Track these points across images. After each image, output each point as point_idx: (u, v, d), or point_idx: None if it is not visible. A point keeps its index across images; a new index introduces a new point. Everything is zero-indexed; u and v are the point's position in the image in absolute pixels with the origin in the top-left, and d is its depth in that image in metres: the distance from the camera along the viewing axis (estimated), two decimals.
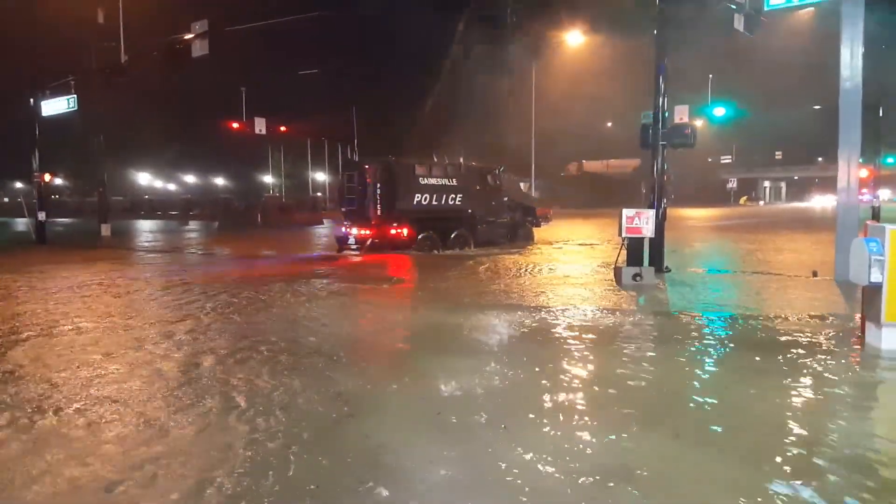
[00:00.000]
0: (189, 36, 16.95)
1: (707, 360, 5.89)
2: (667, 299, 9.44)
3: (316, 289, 10.57)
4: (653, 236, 11.15)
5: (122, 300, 9.64)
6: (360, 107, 44.70)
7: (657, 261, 11.67)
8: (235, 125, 31.45)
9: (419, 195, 16.33)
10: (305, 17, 19.27)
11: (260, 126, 32.65)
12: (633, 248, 10.87)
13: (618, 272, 10.87)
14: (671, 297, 9.54)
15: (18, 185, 67.06)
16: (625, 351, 6.17)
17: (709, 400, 4.68)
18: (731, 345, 6.47)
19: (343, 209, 16.83)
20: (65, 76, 20.61)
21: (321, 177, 67.93)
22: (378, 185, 15.96)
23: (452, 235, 16.97)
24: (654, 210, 11.44)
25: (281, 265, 14.86)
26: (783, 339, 6.50)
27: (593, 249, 17.56)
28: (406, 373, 5.49)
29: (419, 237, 16.09)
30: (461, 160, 17.77)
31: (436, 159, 17.34)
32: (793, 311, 7.97)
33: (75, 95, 20.22)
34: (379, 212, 15.99)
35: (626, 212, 10.71)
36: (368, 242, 16.10)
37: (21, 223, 28.30)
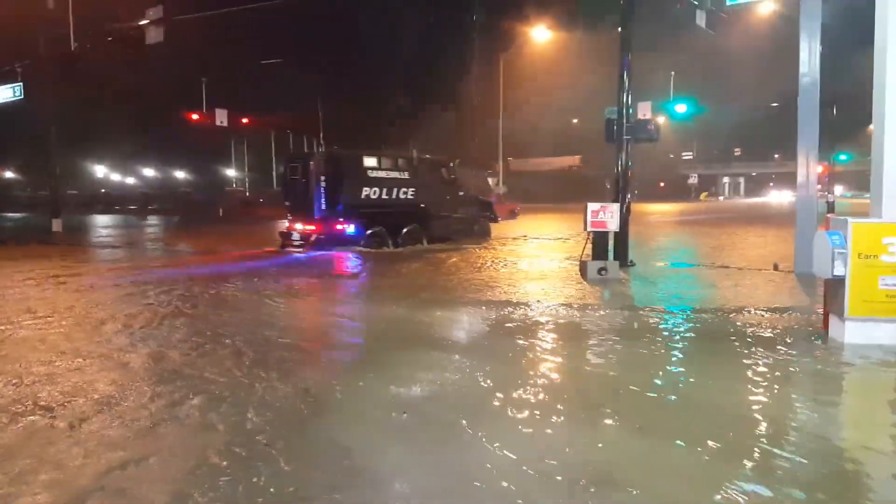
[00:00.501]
0: (144, 22, 16.36)
1: (671, 354, 5.84)
2: (631, 293, 9.43)
3: (230, 289, 9.75)
4: (617, 230, 11.14)
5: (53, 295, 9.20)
6: (326, 99, 44.01)
7: (622, 255, 11.67)
8: (195, 116, 30.55)
9: (367, 188, 15.49)
10: (266, 3, 18.70)
11: (221, 118, 31.77)
12: (599, 243, 10.84)
13: (583, 266, 10.83)
14: (636, 291, 9.54)
15: None
16: (589, 345, 6.08)
17: (671, 396, 4.61)
18: (695, 338, 6.43)
19: (286, 203, 16.16)
20: (11, 64, 19.68)
21: None
22: (322, 178, 15.22)
23: (404, 231, 16.15)
24: (619, 204, 11.43)
25: (212, 262, 13.98)
26: (748, 332, 6.49)
27: (559, 244, 17.55)
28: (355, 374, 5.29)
29: (367, 233, 15.31)
30: (413, 152, 17.09)
31: (385, 151, 16.55)
32: (755, 304, 8.00)
33: (21, 83, 19.35)
34: (323, 206, 15.25)
35: (592, 206, 10.66)
36: (312, 238, 15.30)
37: None
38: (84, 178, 70.13)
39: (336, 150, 15.59)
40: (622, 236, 11.71)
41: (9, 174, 61.97)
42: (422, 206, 16.63)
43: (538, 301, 8.42)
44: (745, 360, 5.45)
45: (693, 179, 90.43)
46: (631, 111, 12.01)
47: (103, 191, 69.66)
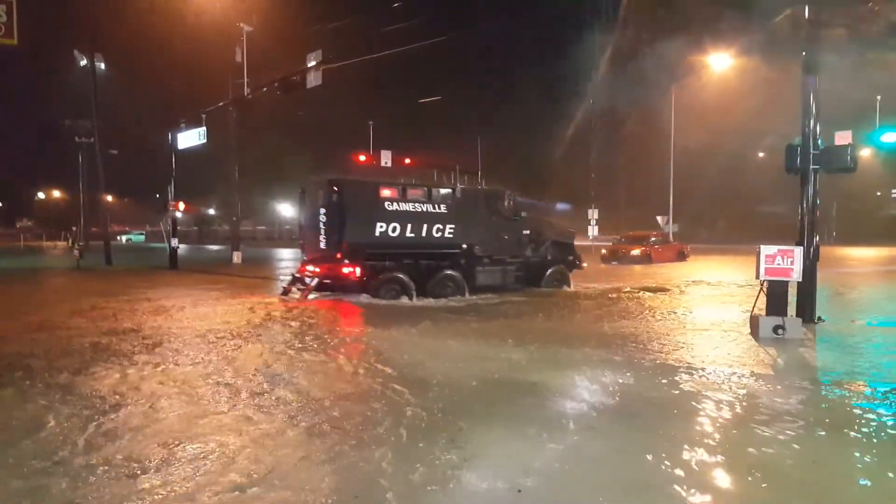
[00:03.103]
0: (311, 64, 17.15)
1: (879, 458, 4.16)
2: (816, 360, 7.49)
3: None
4: (800, 280, 9.14)
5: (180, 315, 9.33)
6: (487, 136, 44.39)
7: (806, 309, 9.58)
8: (363, 158, 31.98)
9: (384, 224, 12.66)
10: (426, 43, 18.84)
11: (386, 158, 32.89)
12: (775, 294, 8.93)
13: (754, 322, 8.96)
14: (823, 358, 7.58)
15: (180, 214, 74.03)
16: (755, 438, 4.56)
17: None
18: None
19: (299, 241, 14.14)
20: (198, 113, 21.92)
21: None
22: (323, 211, 12.92)
23: (436, 278, 13.20)
24: (803, 248, 9.41)
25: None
26: None
27: (734, 290, 15.17)
28: None
29: (379, 278, 12.62)
30: (455, 181, 14.00)
31: (415, 180, 13.69)
32: None
33: (204, 128, 21.41)
34: (322, 244, 12.96)
35: (766, 249, 8.83)
36: (314, 283, 13.01)
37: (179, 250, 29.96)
38: (271, 215, 77.21)
39: (344, 178, 13.06)
40: (807, 286, 9.62)
41: (211, 210, 70.05)
42: (463, 246, 13.63)
43: (688, 366, 6.88)
44: None
45: None
46: (821, 141, 9.98)
47: (287, 227, 76.18)
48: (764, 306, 9.03)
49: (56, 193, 75.51)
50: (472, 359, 7.26)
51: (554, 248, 15.62)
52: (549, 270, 15.22)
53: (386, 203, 12.75)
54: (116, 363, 6.91)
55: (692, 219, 48.74)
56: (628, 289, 15.57)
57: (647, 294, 14.56)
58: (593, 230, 35.22)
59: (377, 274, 12.58)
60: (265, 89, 18.15)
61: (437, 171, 14.72)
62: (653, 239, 30.81)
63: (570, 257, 15.95)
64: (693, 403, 5.43)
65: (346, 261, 12.40)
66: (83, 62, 26.72)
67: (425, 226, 13.05)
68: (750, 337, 8.68)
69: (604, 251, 30.98)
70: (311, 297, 12.98)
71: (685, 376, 6.38)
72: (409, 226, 12.87)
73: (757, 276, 9.02)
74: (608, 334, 9.02)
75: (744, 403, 5.45)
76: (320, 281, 13.01)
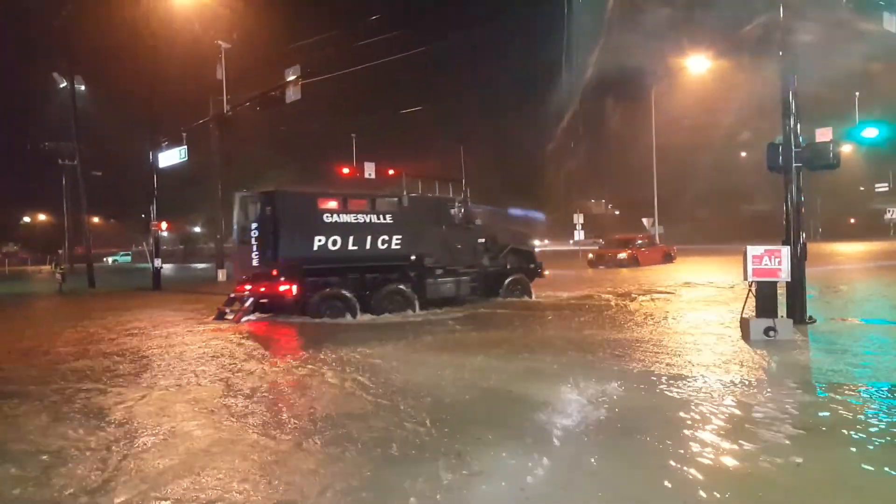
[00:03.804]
0: (290, 79, 16.97)
1: (878, 461, 4.01)
2: (810, 362, 7.36)
3: None
4: (789, 280, 9.04)
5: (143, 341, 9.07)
6: (471, 147, 44.36)
7: (797, 310, 9.47)
8: (346, 170, 31.86)
9: (323, 237, 11.84)
10: (407, 54, 18.75)
11: (369, 170, 32.84)
12: (764, 295, 8.82)
13: (745, 325, 8.83)
14: (817, 360, 7.43)
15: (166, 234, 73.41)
16: (749, 444, 4.40)
17: None
18: None
19: (232, 259, 13.09)
20: (179, 131, 21.71)
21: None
22: (255, 225, 12.03)
23: (382, 292, 12.43)
24: (790, 247, 9.32)
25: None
26: None
27: (723, 292, 15.12)
28: None
29: (319, 296, 11.78)
30: (403, 190, 13.38)
31: (358, 191, 13.01)
32: None
33: (185, 147, 21.18)
34: (255, 261, 11.98)
35: (752, 250, 8.72)
36: (248, 303, 12.03)
37: (165, 269, 29.48)
38: None
39: (272, 189, 12.20)
40: (796, 286, 9.52)
41: (197, 228, 69.43)
42: (412, 258, 12.83)
43: (677, 372, 6.73)
44: None
45: (891, 214, 78.72)
46: (802, 139, 9.94)
47: None
48: (754, 308, 8.93)
49: (41, 217, 74.70)
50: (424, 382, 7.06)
51: (513, 257, 14.93)
52: (508, 280, 14.48)
53: (325, 215, 12.00)
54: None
55: (678, 220, 48.95)
56: (607, 295, 15.43)
57: (634, 299, 14.46)
58: (579, 234, 35.22)
59: (317, 291, 11.78)
60: (246, 105, 17.95)
61: (421, 181, 14.43)
62: (639, 241, 30.83)
63: (531, 265, 15.28)
64: (683, 411, 5.26)
65: (282, 278, 11.57)
66: (63, 84, 26.45)
67: (369, 238, 12.33)
68: (741, 340, 8.55)
69: (590, 255, 30.98)
70: (245, 319, 11.98)
71: (675, 383, 6.21)
72: (352, 238, 12.13)
73: (745, 278, 8.91)
74: (588, 342, 8.86)
75: (736, 409, 5.30)
76: (255, 301, 12.08)
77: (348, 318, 11.81)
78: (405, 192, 13.20)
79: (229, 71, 21.84)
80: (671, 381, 6.31)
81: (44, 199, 62.97)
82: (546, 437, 4.77)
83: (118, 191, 51.10)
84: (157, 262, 23.05)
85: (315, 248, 11.75)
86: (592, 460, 4.26)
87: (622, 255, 28.98)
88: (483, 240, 14.17)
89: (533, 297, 14.79)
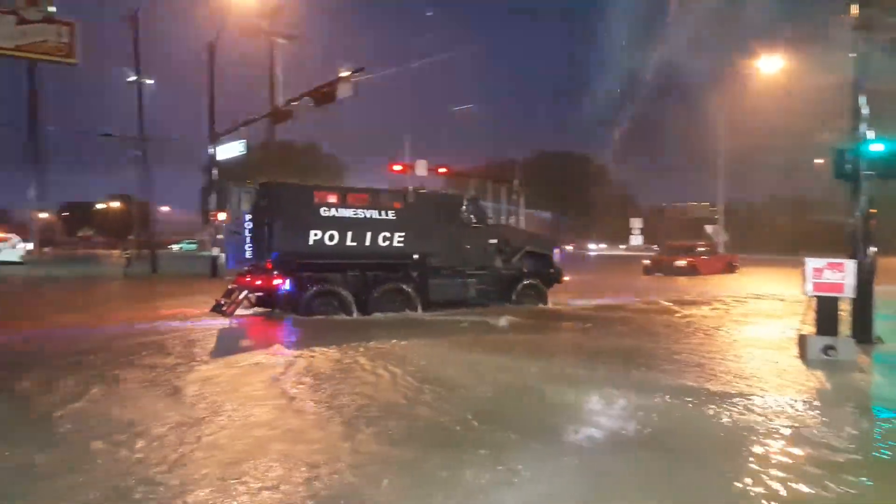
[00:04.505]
0: (343, 75, 17.06)
1: None
2: (871, 386, 6.79)
3: None
4: (853, 296, 8.39)
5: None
6: (528, 143, 43.89)
7: (861, 328, 8.79)
8: (398, 167, 32.02)
9: (319, 232, 11.41)
10: (460, 51, 18.55)
11: (421, 168, 32.90)
12: (825, 311, 8.21)
13: (802, 342, 8.25)
14: (879, 384, 6.87)
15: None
16: (797, 474, 4.00)
17: None
18: None
19: (224, 252, 12.90)
20: (237, 125, 22.26)
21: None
22: (248, 218, 11.77)
23: (380, 290, 11.96)
24: (856, 261, 8.65)
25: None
26: None
27: (789, 305, 14.28)
28: None
29: (312, 292, 11.38)
30: (409, 186, 12.74)
31: (358, 186, 12.59)
32: None
33: (244, 140, 21.68)
34: (248, 254, 11.81)
35: (813, 262, 8.12)
36: (242, 296, 11.59)
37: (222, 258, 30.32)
38: None
39: (272, 182, 12.12)
40: (861, 303, 8.83)
41: None
42: (414, 256, 12.34)
43: (722, 389, 6.30)
44: None
45: None
46: (874, 144, 9.21)
47: None
48: (813, 324, 8.34)
49: (114, 204, 78.44)
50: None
51: (529, 260, 14.05)
52: (521, 284, 13.61)
53: (322, 209, 11.56)
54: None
55: (743, 228, 46.92)
56: (655, 304, 14.78)
57: (684, 309, 13.82)
58: (636, 239, 34.21)
59: (307, 287, 11.38)
60: (298, 101, 18.20)
61: (474, 180, 14.21)
62: (699, 249, 29.65)
63: (549, 270, 14.29)
64: (728, 430, 4.93)
65: (276, 272, 11.23)
66: (131, 78, 27.56)
67: (369, 234, 11.84)
68: (797, 358, 7.99)
69: (646, 262, 30.01)
70: (242, 312, 11.76)
71: (721, 400, 5.81)
72: (350, 234, 11.64)
73: (804, 292, 8.32)
74: (625, 352, 8.46)
75: (785, 431, 4.91)
76: (249, 294, 11.72)
77: (342, 316, 11.42)
78: (411, 189, 12.66)
79: (285, 67, 22.32)
80: (716, 398, 5.91)
81: (116, 186, 66.19)
82: (580, 445, 4.55)
83: (185, 181, 53.09)
84: (215, 251, 23.70)
85: (311, 242, 11.39)
86: (625, 473, 4.03)
87: (680, 263, 27.87)
88: (495, 240, 13.52)
89: (548, 304, 14.00)
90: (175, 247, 73.53)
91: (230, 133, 22.43)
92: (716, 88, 34.61)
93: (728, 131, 35.70)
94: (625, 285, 20.65)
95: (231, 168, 23.79)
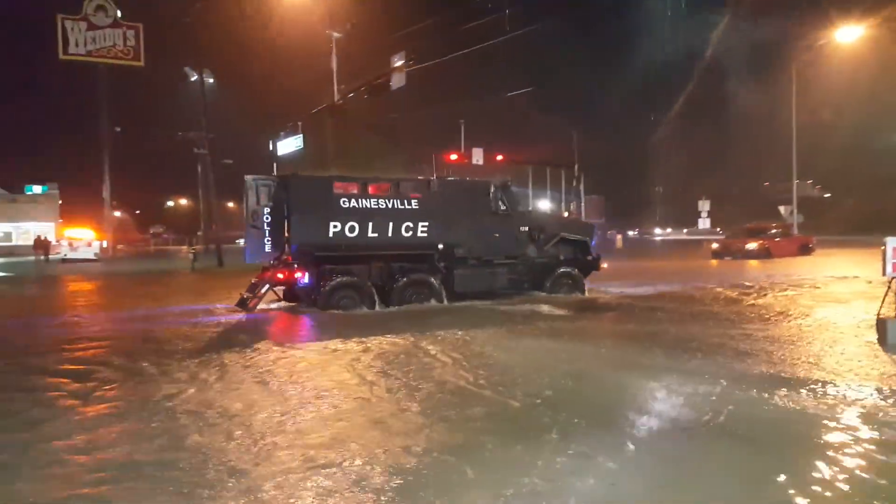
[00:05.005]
0: (396, 65, 17.08)
1: None
2: None
3: None
4: None
5: None
6: (586, 128, 42.95)
7: None
8: (454, 156, 31.91)
9: (338, 223, 11.24)
10: (518, 32, 18.08)
11: (477, 157, 32.74)
12: None
13: (881, 326, 7.72)
14: None
15: None
16: (879, 469, 3.74)
17: None
18: None
19: (244, 245, 12.83)
20: (296, 121, 22.73)
21: (545, 206, 66.91)
22: (267, 210, 11.68)
23: (404, 282, 11.62)
24: None
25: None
26: None
27: (868, 288, 13.46)
28: None
29: (331, 285, 11.11)
30: (433, 173, 12.35)
31: (380, 175, 12.46)
32: None
33: (302, 135, 22.10)
34: (267, 247, 11.71)
35: (893, 241, 7.59)
36: (263, 290, 11.62)
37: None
38: None
39: (288, 175, 11.93)
40: None
41: None
42: (439, 247, 11.98)
43: (795, 376, 5.95)
44: None
45: None
46: None
47: None
48: (894, 308, 7.79)
49: (183, 201, 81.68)
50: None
51: (565, 247, 13.55)
52: (556, 273, 13.10)
53: (341, 200, 11.36)
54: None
55: (818, 208, 44.61)
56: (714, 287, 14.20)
57: (753, 294, 13.20)
58: (703, 222, 32.97)
59: (327, 279, 11.13)
60: (353, 94, 18.37)
61: (531, 167, 14.04)
62: (772, 231, 28.34)
63: (587, 257, 13.75)
64: (800, 421, 4.65)
65: (296, 265, 11.13)
66: (194, 77, 28.48)
67: (391, 224, 11.59)
68: (876, 344, 7.49)
69: (715, 245, 28.94)
70: (263, 306, 11.75)
71: (793, 388, 5.49)
72: (371, 224, 11.44)
73: (884, 273, 7.78)
74: (694, 338, 8.12)
75: (863, 423, 4.59)
76: (273, 287, 11.75)
77: (364, 309, 11.15)
78: (435, 177, 12.35)
79: (340, 60, 22.55)
80: (788, 386, 5.59)
81: (185, 184, 68.90)
82: (650, 431, 4.45)
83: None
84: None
85: (331, 234, 11.22)
86: (691, 462, 3.93)
87: (751, 246, 26.68)
88: (526, 228, 12.99)
89: (585, 293, 13.47)
90: (241, 241, 76.05)
91: (290, 128, 22.91)
92: (790, 61, 32.61)
93: (801, 109, 33.84)
94: (690, 271, 19.96)
95: (291, 161, 24.29)
